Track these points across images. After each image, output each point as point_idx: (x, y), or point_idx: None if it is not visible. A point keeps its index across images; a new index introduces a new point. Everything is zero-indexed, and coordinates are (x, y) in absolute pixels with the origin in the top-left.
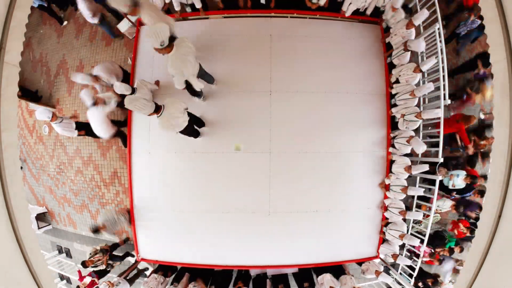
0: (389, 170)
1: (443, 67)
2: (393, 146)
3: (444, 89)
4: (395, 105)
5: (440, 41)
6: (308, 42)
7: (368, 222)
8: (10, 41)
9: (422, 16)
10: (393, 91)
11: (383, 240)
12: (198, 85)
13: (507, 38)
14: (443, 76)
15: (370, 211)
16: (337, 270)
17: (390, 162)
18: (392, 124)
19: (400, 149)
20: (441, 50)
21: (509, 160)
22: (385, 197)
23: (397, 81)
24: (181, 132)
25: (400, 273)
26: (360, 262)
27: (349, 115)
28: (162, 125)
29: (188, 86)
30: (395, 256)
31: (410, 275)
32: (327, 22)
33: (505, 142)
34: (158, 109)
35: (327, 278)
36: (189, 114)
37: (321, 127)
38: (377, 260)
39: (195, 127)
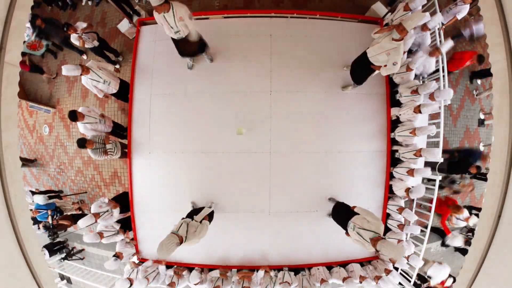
0: (389, 170)
1: (443, 67)
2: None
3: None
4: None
5: (440, 41)
6: (308, 42)
7: None
8: (10, 41)
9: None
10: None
11: None
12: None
13: (507, 38)
14: (443, 76)
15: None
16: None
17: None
18: (392, 126)
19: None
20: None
21: (509, 160)
22: (385, 199)
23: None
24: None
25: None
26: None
27: (349, 114)
28: None
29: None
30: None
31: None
32: (327, 22)
33: (505, 142)
34: None
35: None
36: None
37: (321, 127)
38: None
39: None
